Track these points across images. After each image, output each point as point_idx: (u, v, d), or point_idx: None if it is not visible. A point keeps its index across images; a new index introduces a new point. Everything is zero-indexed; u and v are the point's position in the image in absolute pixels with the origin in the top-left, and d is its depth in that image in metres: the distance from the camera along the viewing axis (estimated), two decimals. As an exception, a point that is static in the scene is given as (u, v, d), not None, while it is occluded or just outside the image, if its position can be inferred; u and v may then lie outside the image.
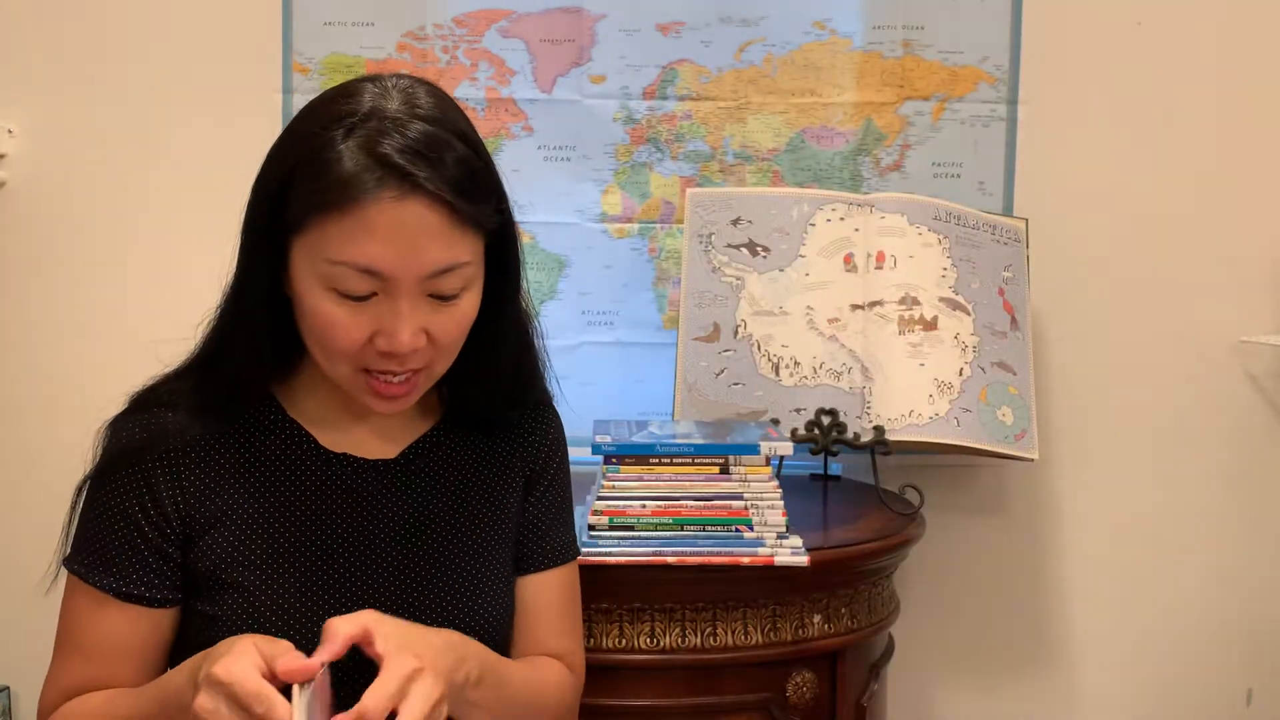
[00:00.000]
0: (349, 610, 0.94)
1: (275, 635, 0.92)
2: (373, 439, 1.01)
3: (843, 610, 1.45)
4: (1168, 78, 1.85)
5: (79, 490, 0.98)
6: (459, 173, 0.88)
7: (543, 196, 1.82)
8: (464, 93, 1.81)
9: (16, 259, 1.80)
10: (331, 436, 1.00)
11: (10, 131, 1.77)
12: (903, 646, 1.77)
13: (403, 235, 0.86)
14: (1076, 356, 1.88)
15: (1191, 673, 1.94)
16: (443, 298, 0.90)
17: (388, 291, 0.88)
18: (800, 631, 1.40)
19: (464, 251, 0.89)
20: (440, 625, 0.97)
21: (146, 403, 0.97)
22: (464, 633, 0.98)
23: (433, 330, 0.90)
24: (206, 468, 0.96)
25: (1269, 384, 1.91)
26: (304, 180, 0.87)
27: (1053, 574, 1.93)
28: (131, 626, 0.95)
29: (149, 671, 0.96)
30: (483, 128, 2.00)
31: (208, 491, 0.95)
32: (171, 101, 1.78)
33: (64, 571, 0.98)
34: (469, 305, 0.92)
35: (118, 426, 0.97)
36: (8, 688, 1.82)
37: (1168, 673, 1.94)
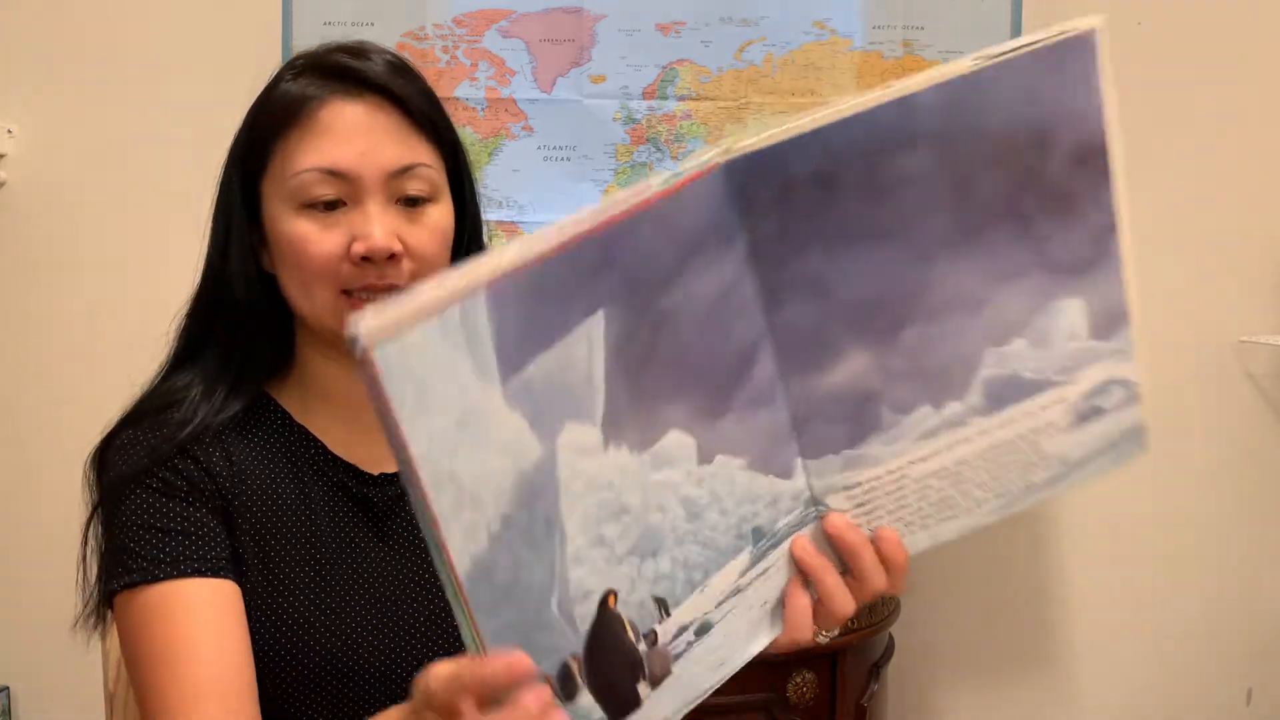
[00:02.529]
0: (367, 628, 0.91)
1: (287, 644, 0.89)
2: (379, 448, 0.98)
3: (843, 610, 1.45)
4: (1168, 78, 1.85)
5: (89, 523, 0.91)
6: (401, 73, 0.91)
7: (543, 196, 1.81)
8: (464, 93, 1.81)
9: (16, 259, 1.79)
10: (340, 444, 0.97)
11: (10, 131, 1.77)
12: (903, 647, 1.77)
13: (359, 132, 0.88)
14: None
15: (1191, 672, 1.94)
16: (411, 201, 0.90)
17: (355, 198, 0.88)
18: (800, 631, 1.40)
19: (422, 154, 0.90)
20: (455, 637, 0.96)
21: (141, 413, 0.92)
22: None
23: (407, 239, 0.89)
24: (228, 450, 0.91)
25: (1269, 384, 1.91)
26: (262, 119, 0.91)
27: (1053, 574, 1.93)
28: (228, 607, 0.86)
29: (254, 675, 0.86)
30: (483, 128, 2.04)
31: (237, 473, 0.91)
32: (171, 101, 1.77)
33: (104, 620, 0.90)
34: (440, 216, 0.92)
35: (117, 441, 0.91)
36: (8, 688, 1.80)
37: (1168, 672, 1.94)
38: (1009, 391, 0.71)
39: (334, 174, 0.87)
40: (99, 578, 0.91)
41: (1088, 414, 0.72)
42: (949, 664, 1.93)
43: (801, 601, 0.71)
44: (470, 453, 0.54)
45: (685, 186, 0.60)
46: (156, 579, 0.85)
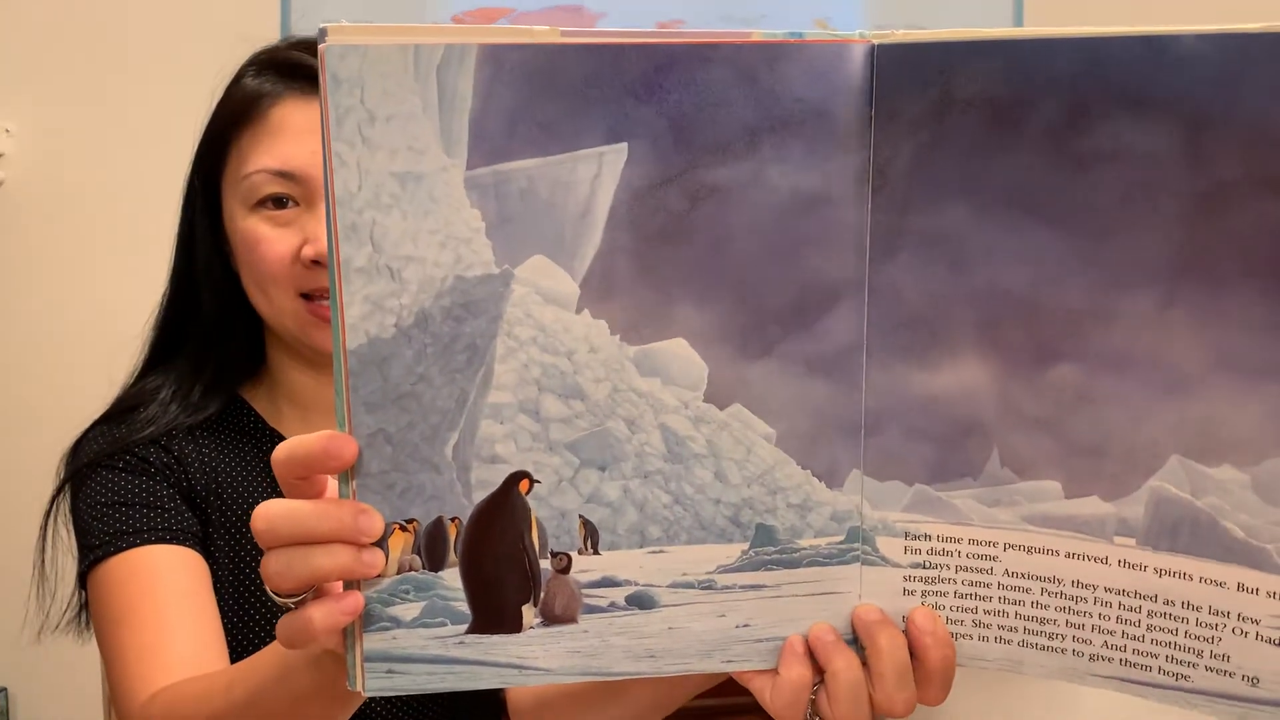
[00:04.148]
0: None
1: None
2: None
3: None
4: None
5: (50, 512, 0.91)
6: None
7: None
8: (465, 91, 1.75)
9: (14, 258, 1.78)
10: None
11: (8, 131, 1.77)
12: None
13: (311, 132, 0.84)
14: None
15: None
16: None
17: (308, 199, 0.85)
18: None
19: None
20: None
21: (114, 413, 0.91)
22: None
23: None
24: (201, 449, 0.89)
25: None
26: (219, 117, 0.89)
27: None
28: (195, 573, 0.84)
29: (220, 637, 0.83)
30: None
31: (210, 470, 0.89)
32: (169, 101, 1.69)
33: (77, 614, 0.89)
34: None
35: (89, 437, 0.90)
36: (5, 689, 1.76)
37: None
38: (1189, 534, 0.48)
39: (284, 175, 0.85)
40: (39, 580, 0.92)
41: None
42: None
43: (799, 674, 0.54)
44: (403, 219, 0.47)
45: (804, 47, 0.48)
46: (121, 549, 0.83)
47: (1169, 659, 0.50)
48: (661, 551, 0.52)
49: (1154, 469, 0.49)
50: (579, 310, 0.49)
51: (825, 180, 0.49)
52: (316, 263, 0.84)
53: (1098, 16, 1.78)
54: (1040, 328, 0.49)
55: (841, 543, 0.53)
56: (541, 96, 0.47)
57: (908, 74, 0.48)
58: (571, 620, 0.52)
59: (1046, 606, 0.51)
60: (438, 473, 0.49)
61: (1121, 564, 0.50)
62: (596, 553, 0.52)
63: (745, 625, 0.54)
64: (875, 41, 0.48)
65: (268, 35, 1.76)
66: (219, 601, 0.84)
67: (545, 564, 0.51)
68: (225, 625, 0.84)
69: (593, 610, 0.52)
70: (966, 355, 0.50)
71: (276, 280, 0.86)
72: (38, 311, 1.79)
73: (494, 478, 0.50)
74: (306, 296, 0.86)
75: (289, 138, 0.85)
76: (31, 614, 0.94)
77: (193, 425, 0.89)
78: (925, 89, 0.48)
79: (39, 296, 1.79)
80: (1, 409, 1.79)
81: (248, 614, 0.87)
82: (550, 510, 0.51)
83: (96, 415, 0.92)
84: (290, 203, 0.85)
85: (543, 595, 0.52)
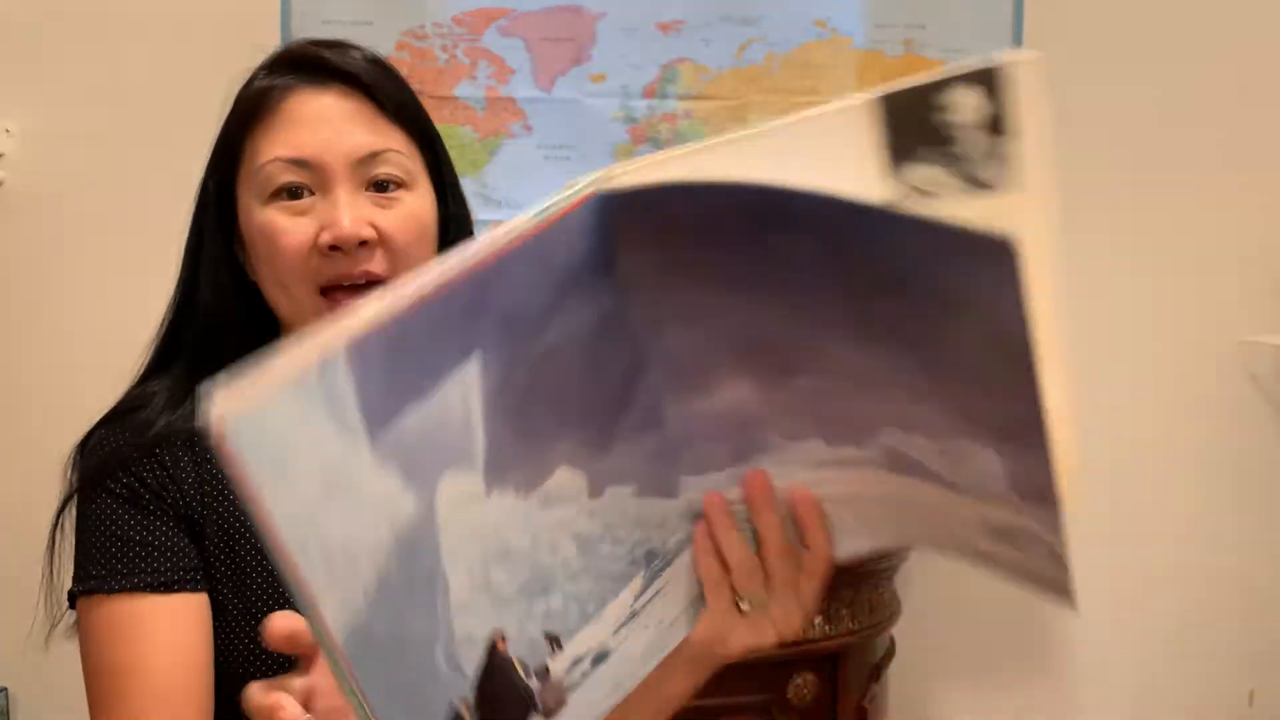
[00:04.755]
0: None
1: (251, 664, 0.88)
2: None
3: (843, 611, 1.45)
4: (1169, 77, 1.82)
5: (57, 521, 0.92)
6: (374, 65, 0.91)
7: (543, 196, 1.81)
8: (463, 92, 1.81)
9: (14, 259, 1.79)
10: None
11: (8, 131, 1.77)
12: (904, 648, 1.76)
13: (324, 121, 0.87)
14: (1075, 357, 1.85)
15: (1193, 674, 1.91)
16: (381, 187, 0.88)
17: (323, 187, 0.86)
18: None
19: (393, 140, 0.89)
20: None
21: (116, 413, 0.93)
22: None
23: (381, 225, 0.87)
24: (198, 457, 0.90)
25: (1270, 384, 1.87)
26: (233, 117, 0.90)
27: (1057, 575, 1.90)
28: (184, 624, 0.85)
29: (211, 691, 0.86)
30: (482, 127, 2.03)
31: (206, 480, 0.90)
32: (169, 100, 1.75)
33: (67, 625, 0.92)
34: (416, 204, 0.90)
35: (90, 442, 0.92)
36: (5, 689, 1.79)
37: (1169, 674, 1.92)
38: (914, 469, 0.65)
39: (299, 163, 0.86)
40: (47, 588, 0.93)
41: (1001, 536, 0.65)
42: (951, 665, 1.92)
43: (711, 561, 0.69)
44: (340, 520, 0.53)
45: (558, 219, 0.60)
46: (112, 590, 0.84)
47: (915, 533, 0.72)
48: (599, 617, 0.66)
49: (879, 430, 0.65)
50: (489, 494, 0.59)
51: (606, 304, 0.61)
52: (334, 248, 0.85)
53: (1097, 17, 1.84)
54: (778, 356, 0.64)
55: (690, 528, 0.70)
56: (403, 356, 0.55)
57: (634, 208, 0.61)
58: (563, 705, 0.65)
59: (845, 507, 0.71)
60: (438, 679, 0.58)
61: (881, 483, 0.67)
62: (562, 649, 0.64)
63: (660, 621, 0.70)
64: (601, 190, 0.61)
65: (268, 35, 1.61)
66: (218, 601, 0.87)
67: (533, 682, 0.63)
68: (225, 627, 0.87)
69: (572, 687, 0.65)
70: (733, 380, 0.65)
71: (295, 271, 0.85)
72: (37, 312, 1.79)
73: (478, 653, 0.60)
74: (323, 292, 0.86)
75: (301, 126, 0.85)
76: (32, 615, 0.95)
77: (191, 430, 0.88)
78: (649, 215, 0.61)
79: (39, 297, 1.79)
80: (1, 409, 1.78)
81: (245, 616, 0.89)
82: (523, 644, 0.62)
83: (97, 416, 0.92)
84: (305, 192, 0.84)
85: (540, 703, 0.64)
